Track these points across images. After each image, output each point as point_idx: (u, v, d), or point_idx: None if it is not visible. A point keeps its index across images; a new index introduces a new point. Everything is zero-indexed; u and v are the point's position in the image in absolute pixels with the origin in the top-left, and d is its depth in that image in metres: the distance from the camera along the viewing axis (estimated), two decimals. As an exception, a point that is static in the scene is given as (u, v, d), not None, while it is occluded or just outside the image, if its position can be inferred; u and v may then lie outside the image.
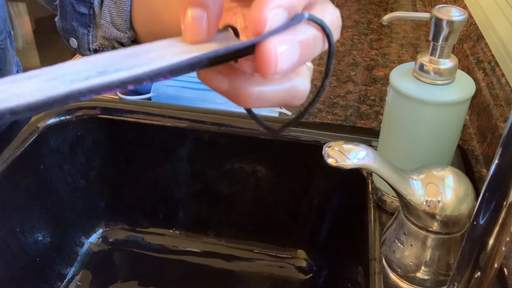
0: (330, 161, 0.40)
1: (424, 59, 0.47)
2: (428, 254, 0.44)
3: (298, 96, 0.26)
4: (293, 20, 0.23)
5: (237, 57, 0.24)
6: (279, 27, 0.23)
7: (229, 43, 0.25)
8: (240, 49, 0.23)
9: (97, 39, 0.52)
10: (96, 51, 0.52)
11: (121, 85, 0.22)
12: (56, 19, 0.53)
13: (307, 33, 0.23)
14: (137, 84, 0.23)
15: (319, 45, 0.24)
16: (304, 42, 0.23)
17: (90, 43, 0.52)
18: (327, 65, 0.25)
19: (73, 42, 0.53)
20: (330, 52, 0.25)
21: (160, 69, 0.22)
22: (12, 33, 0.70)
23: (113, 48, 0.52)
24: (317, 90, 0.26)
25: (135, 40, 0.51)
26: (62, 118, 0.68)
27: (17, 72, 0.71)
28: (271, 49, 0.22)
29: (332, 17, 0.25)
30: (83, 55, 0.53)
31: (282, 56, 0.22)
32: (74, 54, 0.88)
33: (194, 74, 0.28)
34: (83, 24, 0.51)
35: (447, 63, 0.46)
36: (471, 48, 0.74)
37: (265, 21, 0.22)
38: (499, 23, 0.68)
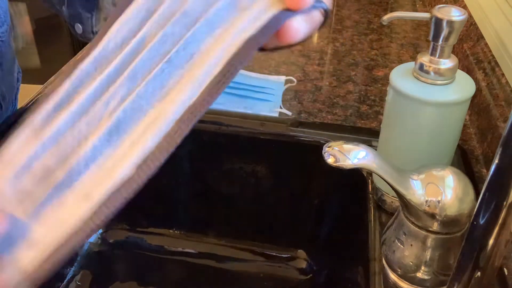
0: (330, 161, 0.40)
1: (424, 59, 0.47)
2: (428, 254, 0.44)
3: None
4: (315, 6, 0.32)
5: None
6: (306, 9, 0.30)
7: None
8: (279, 22, 0.30)
9: (100, 21, 0.55)
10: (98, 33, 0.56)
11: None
12: (63, 7, 0.56)
13: (316, 15, 0.33)
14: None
15: (319, 21, 0.33)
16: (313, 22, 0.32)
17: (94, 26, 0.55)
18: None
19: (78, 28, 0.56)
20: (325, 21, 0.34)
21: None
22: (13, 33, 0.70)
23: None
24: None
25: None
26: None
27: (17, 74, 0.71)
28: (294, 27, 0.31)
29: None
30: (88, 39, 0.56)
31: (299, 32, 0.31)
32: (75, 54, 0.87)
33: None
34: (87, 9, 0.54)
35: (447, 63, 0.46)
36: (471, 48, 0.74)
37: (304, 5, 0.30)
38: (499, 23, 0.68)
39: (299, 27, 0.31)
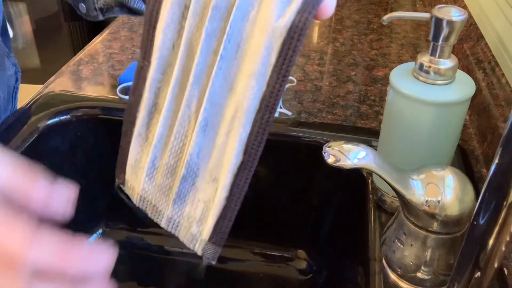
0: (330, 161, 0.40)
1: (424, 59, 0.47)
2: (428, 254, 0.44)
3: None
4: None
5: None
6: None
7: None
8: None
9: None
10: (101, 10, 0.59)
11: None
12: None
13: None
14: None
15: None
16: None
17: (95, 3, 0.58)
18: None
19: (82, 7, 0.59)
20: None
21: None
22: (11, 32, 0.70)
23: (116, 3, 0.58)
24: None
25: None
26: (62, 118, 0.68)
27: (16, 73, 0.71)
28: (329, 4, 0.31)
29: None
30: (92, 17, 0.59)
31: (333, 7, 0.31)
32: (75, 54, 0.88)
33: None
34: None
35: (447, 63, 0.46)
36: (471, 48, 0.74)
37: None
38: (499, 23, 0.68)
39: (332, 2, 0.31)
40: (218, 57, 0.31)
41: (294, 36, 0.29)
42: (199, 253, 0.35)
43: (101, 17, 0.59)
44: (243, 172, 0.32)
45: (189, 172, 0.33)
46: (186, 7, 0.31)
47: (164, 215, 0.35)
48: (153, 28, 0.31)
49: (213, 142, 0.32)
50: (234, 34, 0.30)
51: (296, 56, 0.30)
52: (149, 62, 0.32)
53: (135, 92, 0.33)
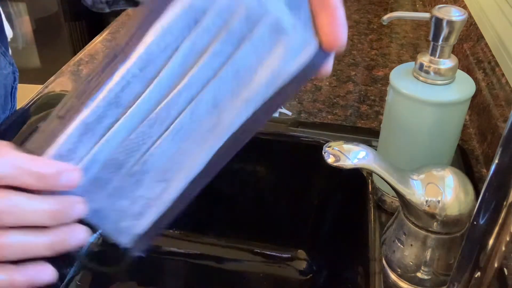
0: (330, 161, 0.40)
1: (424, 59, 0.47)
2: (428, 254, 0.44)
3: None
4: None
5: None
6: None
7: None
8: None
9: None
10: (108, 2, 0.58)
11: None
12: None
13: None
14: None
15: None
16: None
17: None
18: None
19: None
20: None
21: None
22: (11, 32, 0.70)
23: None
24: None
25: None
26: (62, 118, 0.68)
27: (13, 73, 0.71)
28: (328, 67, 0.35)
29: None
30: (99, 9, 0.59)
31: (330, 68, 0.36)
32: (75, 53, 0.88)
33: None
34: None
35: (447, 63, 0.46)
36: (471, 48, 0.74)
37: (340, 47, 0.35)
38: (499, 23, 0.68)
39: (331, 64, 0.35)
40: (217, 77, 0.33)
41: (295, 82, 0.34)
42: (128, 245, 0.36)
43: (107, 10, 0.59)
44: (201, 179, 0.34)
45: (139, 170, 0.33)
46: (196, 21, 0.31)
47: (89, 207, 0.33)
48: (149, 24, 0.31)
49: (180, 147, 0.33)
50: (239, 62, 0.32)
51: (290, 98, 0.34)
52: (126, 54, 0.31)
53: (95, 78, 0.31)
